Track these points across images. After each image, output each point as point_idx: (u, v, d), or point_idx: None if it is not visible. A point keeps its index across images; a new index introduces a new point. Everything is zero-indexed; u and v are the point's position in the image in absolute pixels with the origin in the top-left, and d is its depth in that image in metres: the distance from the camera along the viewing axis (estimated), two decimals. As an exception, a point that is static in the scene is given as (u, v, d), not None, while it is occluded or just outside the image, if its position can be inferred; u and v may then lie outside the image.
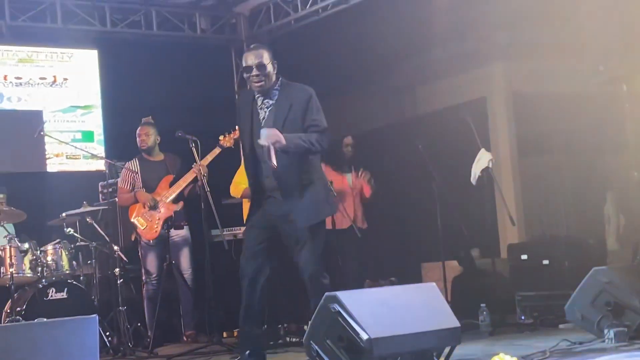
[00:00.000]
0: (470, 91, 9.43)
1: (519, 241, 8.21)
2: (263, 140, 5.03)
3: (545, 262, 7.10)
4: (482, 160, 6.85)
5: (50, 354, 3.58)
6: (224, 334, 7.41)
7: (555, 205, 9.20)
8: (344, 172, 7.48)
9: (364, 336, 4.13)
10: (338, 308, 4.26)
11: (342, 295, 4.31)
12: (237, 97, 5.46)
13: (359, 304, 4.29)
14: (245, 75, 5.25)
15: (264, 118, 5.21)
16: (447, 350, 4.47)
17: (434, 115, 9.64)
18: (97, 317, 3.87)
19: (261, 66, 5.12)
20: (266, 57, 5.15)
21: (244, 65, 5.24)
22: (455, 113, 8.73)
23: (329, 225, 7.22)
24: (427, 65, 9.64)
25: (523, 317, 6.95)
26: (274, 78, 5.19)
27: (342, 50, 9.56)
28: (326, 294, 4.38)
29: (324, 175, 5.51)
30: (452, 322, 4.47)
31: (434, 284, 4.73)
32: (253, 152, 5.27)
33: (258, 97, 5.24)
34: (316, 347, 4.35)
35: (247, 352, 5.20)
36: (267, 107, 5.22)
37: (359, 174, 7.57)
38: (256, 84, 5.16)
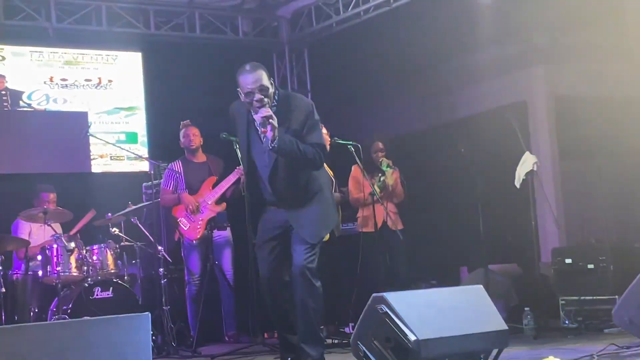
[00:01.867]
0: (511, 94, 9.37)
1: (560, 245, 8.16)
2: (259, 117, 4.82)
3: (590, 266, 7.04)
4: (527, 163, 6.82)
5: (104, 351, 3.62)
6: (265, 335, 7.45)
7: (597, 209, 9.12)
8: (374, 177, 7.42)
9: (412, 337, 4.14)
10: (386, 309, 4.27)
11: (390, 296, 4.32)
12: (230, 107, 5.28)
13: (407, 305, 4.30)
14: (246, 99, 4.92)
15: (263, 136, 4.93)
16: (494, 352, 4.46)
17: (474, 118, 9.59)
18: (150, 314, 3.90)
19: (264, 89, 4.89)
20: (265, 78, 4.92)
21: (244, 90, 4.92)
22: (496, 116, 8.69)
23: (369, 228, 7.34)
24: (467, 68, 9.61)
25: (567, 322, 6.92)
26: (273, 95, 4.96)
27: (382, 53, 9.57)
28: (374, 295, 4.39)
29: (328, 186, 5.34)
30: (500, 324, 4.47)
31: (481, 286, 4.73)
32: (252, 167, 5.11)
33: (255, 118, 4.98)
34: (363, 347, 4.37)
35: (289, 358, 5.22)
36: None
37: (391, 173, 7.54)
38: (259, 109, 4.88)
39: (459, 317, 4.36)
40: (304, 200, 5.08)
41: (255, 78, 4.88)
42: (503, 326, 4.48)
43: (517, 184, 6.95)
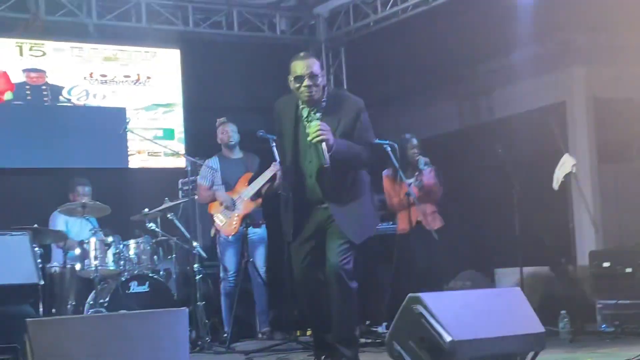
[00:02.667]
0: (549, 95, 9.30)
1: (597, 248, 8.08)
2: (312, 134, 4.73)
3: (628, 270, 6.95)
4: (566, 165, 6.77)
5: (142, 344, 3.66)
6: (298, 332, 7.47)
7: (635, 212, 9.01)
8: (408, 177, 7.38)
9: (447, 338, 4.13)
10: (421, 309, 4.27)
11: (426, 296, 4.31)
12: (276, 103, 5.13)
13: (443, 305, 4.29)
14: (294, 85, 4.85)
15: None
16: (530, 355, 4.44)
17: (512, 118, 9.53)
18: (187, 310, 3.94)
19: (313, 76, 4.82)
20: (317, 67, 4.87)
21: (292, 74, 4.86)
22: (534, 117, 8.63)
23: (405, 226, 7.33)
24: (506, 68, 9.54)
25: (604, 326, 6.85)
26: (323, 89, 4.90)
27: (420, 53, 9.54)
28: (409, 295, 4.39)
29: (371, 188, 5.23)
30: (537, 327, 4.44)
31: (519, 288, 4.70)
32: (296, 165, 4.99)
33: (303, 107, 4.93)
34: (398, 347, 4.37)
35: (323, 356, 5.20)
36: (315, 119, 4.88)
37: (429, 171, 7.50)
38: (307, 95, 4.84)
39: (495, 319, 4.34)
40: (349, 199, 4.99)
41: (307, 64, 4.83)
42: (540, 329, 4.45)
43: (556, 186, 6.90)
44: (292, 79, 4.87)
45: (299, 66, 4.84)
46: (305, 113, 4.93)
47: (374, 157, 5.08)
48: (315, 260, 5.07)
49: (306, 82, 4.80)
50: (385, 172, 7.48)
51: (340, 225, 4.93)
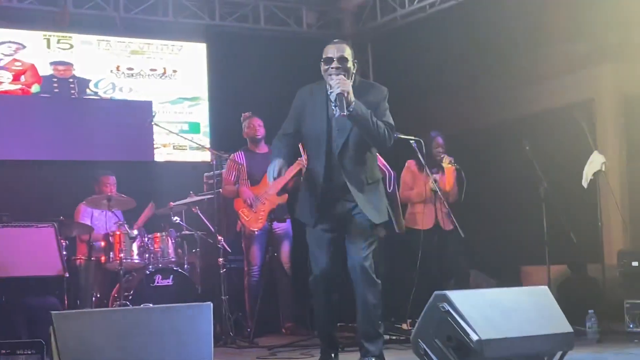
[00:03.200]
0: (578, 92, 9.20)
1: (625, 247, 7.99)
2: (334, 85, 4.78)
3: (659, 269, 6.88)
4: (595, 162, 6.68)
5: (166, 338, 3.66)
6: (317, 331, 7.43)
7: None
8: (433, 173, 7.34)
9: (474, 337, 4.09)
10: (448, 307, 4.22)
11: (452, 294, 4.27)
12: (300, 91, 5.22)
13: (469, 304, 4.24)
14: (324, 67, 4.97)
15: (338, 115, 4.89)
16: (558, 355, 4.38)
17: (539, 115, 9.44)
18: (211, 304, 3.92)
19: (343, 59, 4.93)
20: (348, 53, 4.97)
21: (324, 56, 4.98)
22: (563, 114, 8.55)
23: (430, 222, 7.29)
24: (535, 65, 9.46)
25: (632, 325, 6.76)
26: (352, 76, 4.97)
27: (446, 48, 9.49)
28: (436, 292, 4.34)
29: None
30: (565, 327, 4.39)
31: (546, 287, 4.65)
32: (329, 145, 4.98)
33: (332, 93, 4.91)
34: (424, 345, 4.33)
35: (333, 354, 5.21)
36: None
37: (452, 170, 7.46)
38: (334, 73, 4.91)
39: (522, 318, 4.29)
40: (368, 182, 5.05)
41: (338, 48, 4.96)
42: (568, 329, 4.40)
43: (585, 183, 6.82)
44: (322, 60, 4.98)
45: (330, 49, 4.98)
46: (332, 97, 4.93)
47: (393, 137, 5.06)
48: (337, 253, 5.08)
49: (335, 63, 4.91)
50: (408, 163, 7.45)
51: (361, 206, 4.96)
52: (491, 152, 9.35)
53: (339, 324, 7.12)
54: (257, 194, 7.60)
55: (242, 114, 7.88)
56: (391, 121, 5.04)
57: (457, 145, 7.90)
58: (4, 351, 3.12)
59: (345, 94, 4.76)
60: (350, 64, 4.95)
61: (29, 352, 3.14)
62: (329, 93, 4.87)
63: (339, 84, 4.77)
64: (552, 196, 7.26)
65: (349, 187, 4.97)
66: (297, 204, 5.33)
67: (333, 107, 4.86)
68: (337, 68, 4.89)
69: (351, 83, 4.91)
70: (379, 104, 5.00)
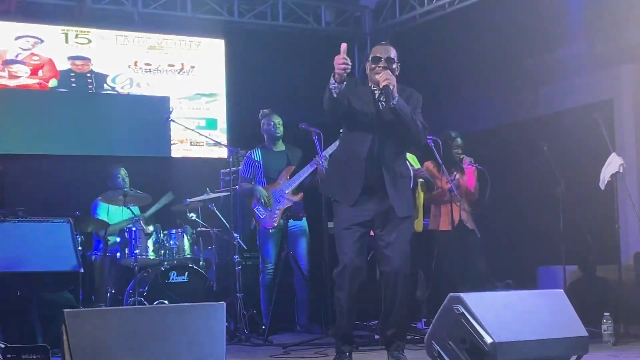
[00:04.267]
0: (596, 93, 9.13)
1: (640, 250, 7.93)
2: (382, 79, 5.00)
3: (676, 272, 6.82)
4: (613, 164, 6.62)
5: (179, 337, 3.65)
6: (335, 326, 7.40)
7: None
8: (452, 173, 7.31)
9: (488, 340, 4.07)
10: (462, 310, 4.20)
11: (467, 297, 4.25)
12: (354, 82, 5.27)
13: (484, 306, 4.22)
14: (371, 65, 5.17)
15: (382, 110, 5.18)
16: (573, 358, 4.35)
17: (557, 116, 9.38)
18: (225, 304, 3.92)
19: (390, 60, 5.14)
20: (394, 54, 5.20)
21: (371, 56, 5.21)
22: (581, 115, 8.48)
23: (446, 226, 7.26)
24: (553, 64, 9.39)
25: (648, 329, 6.71)
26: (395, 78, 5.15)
27: (466, 47, 9.43)
28: (450, 294, 4.33)
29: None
30: (580, 330, 4.36)
31: (562, 290, 4.61)
32: (374, 138, 5.15)
33: (375, 89, 5.18)
34: (438, 347, 4.31)
35: (348, 353, 5.24)
36: (381, 102, 5.18)
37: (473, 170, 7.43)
38: (380, 71, 5.11)
39: (537, 321, 4.27)
40: (400, 177, 5.24)
41: (386, 49, 5.20)
42: (583, 332, 4.37)
43: (602, 185, 6.75)
44: (370, 60, 5.21)
45: (378, 49, 5.22)
46: (376, 93, 5.19)
47: (424, 139, 5.43)
48: (364, 248, 5.22)
49: (382, 63, 5.11)
50: (426, 164, 7.43)
51: (391, 199, 5.12)
52: (508, 152, 9.30)
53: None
54: (272, 191, 7.59)
55: (261, 111, 7.87)
56: (425, 123, 5.30)
57: (474, 145, 7.85)
58: (9, 355, 3.12)
59: (392, 87, 4.99)
60: (395, 66, 5.18)
61: (34, 357, 3.14)
62: (376, 86, 5.09)
63: (387, 78, 5.00)
64: (569, 197, 7.21)
65: (385, 178, 5.14)
66: (327, 181, 5.50)
67: (379, 100, 5.12)
68: (384, 67, 5.10)
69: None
70: (415, 107, 5.24)
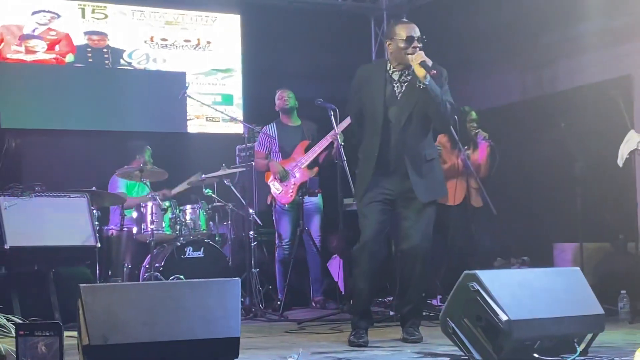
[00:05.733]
0: (614, 68, 9.02)
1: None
2: (417, 57, 5.05)
3: (695, 251, 6.76)
4: (631, 141, 6.54)
5: (194, 312, 3.66)
6: (351, 302, 7.42)
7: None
8: (467, 148, 7.27)
9: (504, 317, 4.04)
10: (477, 287, 4.17)
11: (482, 274, 4.22)
12: (360, 69, 5.40)
13: (499, 284, 4.19)
14: (403, 45, 5.13)
15: (400, 92, 5.20)
16: (588, 336, 4.34)
17: (575, 91, 9.30)
18: (240, 280, 3.93)
19: (420, 39, 5.17)
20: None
21: (405, 35, 5.14)
22: (598, 91, 8.41)
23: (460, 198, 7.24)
24: (571, 40, 9.29)
25: (665, 307, 6.67)
26: None
27: (482, 22, 9.35)
28: (465, 272, 4.30)
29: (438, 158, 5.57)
30: (596, 308, 4.33)
31: (578, 268, 4.59)
32: (386, 124, 5.16)
33: (394, 71, 5.22)
34: (452, 324, 4.29)
35: (365, 329, 5.27)
36: (404, 83, 5.20)
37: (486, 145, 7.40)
38: (413, 52, 5.14)
39: (553, 299, 4.24)
40: (425, 161, 5.24)
41: (414, 28, 5.19)
42: (599, 310, 4.34)
43: (620, 162, 6.69)
44: (403, 39, 5.13)
45: (409, 28, 5.18)
46: (396, 76, 5.22)
47: (452, 120, 5.42)
48: (385, 226, 5.25)
49: (416, 43, 5.12)
50: (439, 137, 7.40)
51: (413, 184, 5.13)
52: (525, 128, 9.23)
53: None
54: (288, 166, 7.59)
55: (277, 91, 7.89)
56: (452, 100, 5.24)
57: (490, 121, 7.81)
58: (21, 332, 3.14)
59: (430, 64, 5.02)
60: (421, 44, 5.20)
61: (47, 334, 3.15)
62: (400, 66, 5.16)
63: (422, 57, 5.03)
64: (587, 174, 7.16)
65: (406, 162, 5.14)
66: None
67: (405, 82, 5.17)
68: (418, 47, 5.11)
69: None
70: (441, 84, 5.17)
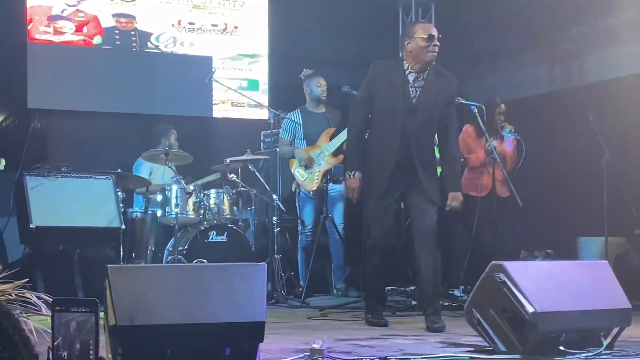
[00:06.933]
0: (644, 62, 8.96)
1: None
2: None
3: None
4: (661, 136, 6.51)
5: (220, 296, 3.65)
6: (365, 289, 7.39)
7: None
8: (493, 139, 7.23)
9: (530, 309, 4.02)
10: (504, 278, 4.15)
11: (509, 265, 4.19)
12: (375, 66, 5.45)
13: (526, 275, 4.16)
14: (424, 44, 5.24)
15: (414, 97, 5.31)
16: (615, 331, 4.30)
17: (604, 85, 9.22)
18: (266, 265, 3.93)
19: (440, 40, 5.28)
20: None
21: (425, 34, 5.26)
22: (628, 84, 8.34)
23: (485, 191, 7.20)
24: (601, 32, 9.21)
25: (691, 303, 6.59)
26: None
27: (510, 12, 9.27)
28: (492, 263, 4.28)
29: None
30: (623, 302, 4.29)
31: (606, 262, 4.55)
32: (404, 125, 5.28)
33: (410, 73, 5.31)
34: (478, 315, 4.27)
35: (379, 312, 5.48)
36: (418, 87, 5.32)
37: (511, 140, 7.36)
38: (432, 55, 5.28)
39: (580, 292, 4.21)
40: (431, 163, 5.47)
41: (434, 28, 5.35)
42: (627, 304, 4.30)
43: (649, 157, 6.65)
44: (423, 37, 5.25)
45: (429, 28, 5.34)
46: (411, 78, 5.32)
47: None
48: (394, 222, 5.51)
49: (435, 41, 5.25)
50: (466, 127, 7.36)
51: (425, 184, 5.33)
52: (553, 120, 9.17)
53: (390, 287, 7.24)
54: (313, 153, 7.57)
55: (304, 70, 7.84)
56: (455, 117, 5.48)
57: (518, 113, 7.76)
58: (57, 307, 3.15)
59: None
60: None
61: (83, 310, 3.16)
62: (418, 65, 5.27)
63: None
64: (614, 168, 7.11)
65: (416, 163, 5.29)
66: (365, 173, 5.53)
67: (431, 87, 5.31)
68: (437, 46, 5.26)
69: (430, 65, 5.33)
70: (452, 98, 5.46)
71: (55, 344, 3.17)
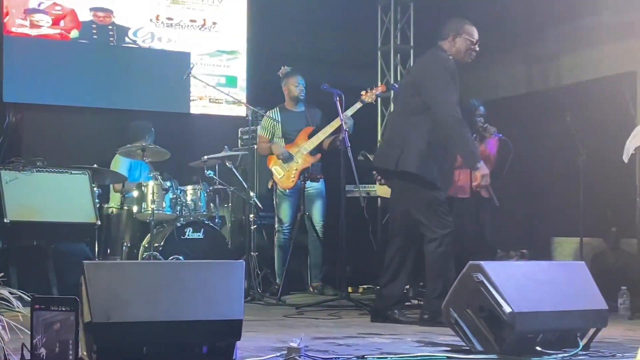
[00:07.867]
0: (622, 63, 8.99)
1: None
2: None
3: (698, 248, 6.74)
4: (638, 137, 6.55)
5: (199, 294, 3.63)
6: (350, 289, 7.42)
7: None
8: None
9: (507, 309, 4.03)
10: (482, 278, 4.16)
11: (487, 265, 4.20)
12: (449, 60, 5.75)
13: (504, 276, 4.17)
14: (471, 45, 5.68)
15: None
16: (591, 331, 4.32)
17: (579, 86, 9.27)
18: (244, 262, 3.91)
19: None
20: None
21: (475, 37, 5.71)
22: (606, 85, 8.38)
23: (465, 194, 7.21)
24: (575, 34, 9.26)
25: (665, 304, 6.65)
26: None
27: (488, 13, 9.28)
28: (470, 262, 4.28)
29: None
30: (600, 303, 4.31)
31: (583, 263, 4.57)
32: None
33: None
34: (455, 314, 4.28)
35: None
36: None
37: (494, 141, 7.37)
38: (472, 59, 5.78)
39: (557, 293, 4.22)
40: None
41: None
42: (603, 305, 4.32)
43: (626, 158, 6.68)
44: (474, 40, 5.71)
45: (476, 31, 5.73)
46: None
47: None
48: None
49: (477, 47, 5.71)
50: None
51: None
52: (530, 120, 9.21)
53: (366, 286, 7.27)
54: (290, 152, 7.56)
55: (282, 67, 7.81)
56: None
57: (495, 112, 7.77)
58: (37, 306, 3.11)
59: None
60: None
61: (63, 309, 3.12)
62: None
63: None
64: (591, 169, 7.14)
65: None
66: (427, 165, 5.56)
67: None
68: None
69: None
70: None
71: (34, 342, 3.13)
